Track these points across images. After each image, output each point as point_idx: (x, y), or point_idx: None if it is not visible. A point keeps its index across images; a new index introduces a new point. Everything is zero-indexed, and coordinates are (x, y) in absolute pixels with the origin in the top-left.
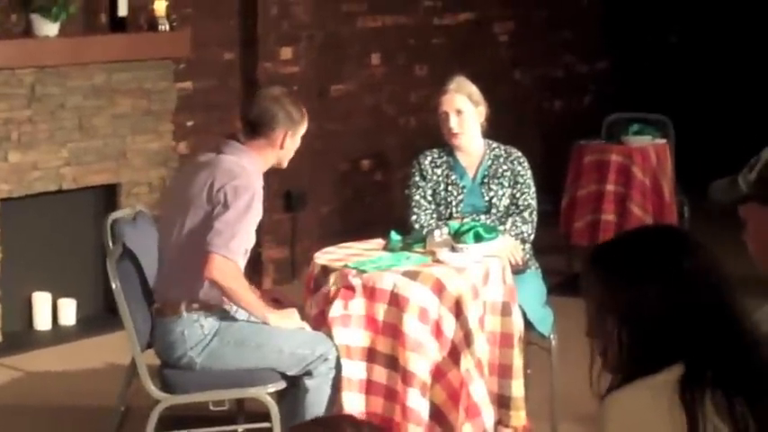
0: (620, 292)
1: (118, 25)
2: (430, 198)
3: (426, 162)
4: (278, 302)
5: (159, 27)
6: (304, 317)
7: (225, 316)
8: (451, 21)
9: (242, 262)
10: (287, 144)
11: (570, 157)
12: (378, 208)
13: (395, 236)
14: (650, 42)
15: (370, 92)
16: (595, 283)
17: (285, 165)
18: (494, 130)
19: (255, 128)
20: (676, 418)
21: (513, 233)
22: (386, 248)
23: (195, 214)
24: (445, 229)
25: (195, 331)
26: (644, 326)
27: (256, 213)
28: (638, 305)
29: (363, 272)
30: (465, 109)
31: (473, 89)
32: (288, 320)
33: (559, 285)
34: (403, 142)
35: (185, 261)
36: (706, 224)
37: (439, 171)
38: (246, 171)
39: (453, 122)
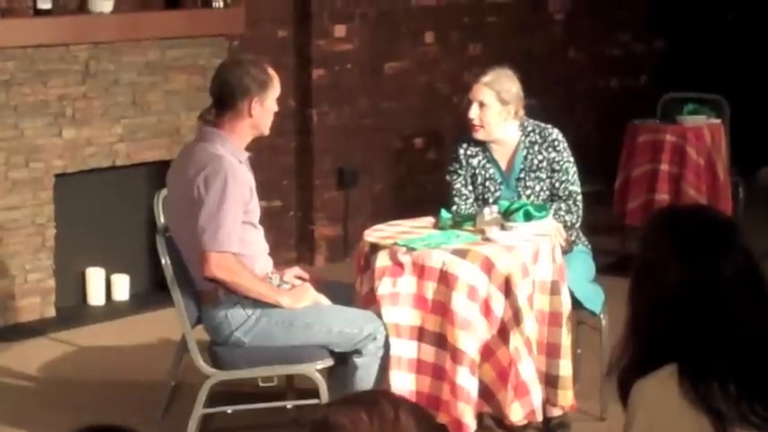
0: (649, 278)
1: (172, 1)
2: (470, 187)
3: (462, 151)
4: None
5: (213, 4)
6: (354, 294)
7: None
8: None
9: (251, 240)
10: (255, 112)
11: (624, 137)
12: (431, 186)
13: (445, 214)
14: (707, 21)
15: (424, 70)
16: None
17: (266, 131)
18: (547, 108)
19: (220, 102)
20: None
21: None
22: (436, 226)
23: (185, 213)
24: (495, 208)
25: (238, 312)
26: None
27: (235, 194)
28: (666, 295)
29: (413, 249)
30: (489, 104)
31: (508, 87)
32: (301, 299)
33: (612, 265)
34: (456, 121)
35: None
36: (760, 205)
37: (475, 162)
38: (215, 156)
39: (473, 113)
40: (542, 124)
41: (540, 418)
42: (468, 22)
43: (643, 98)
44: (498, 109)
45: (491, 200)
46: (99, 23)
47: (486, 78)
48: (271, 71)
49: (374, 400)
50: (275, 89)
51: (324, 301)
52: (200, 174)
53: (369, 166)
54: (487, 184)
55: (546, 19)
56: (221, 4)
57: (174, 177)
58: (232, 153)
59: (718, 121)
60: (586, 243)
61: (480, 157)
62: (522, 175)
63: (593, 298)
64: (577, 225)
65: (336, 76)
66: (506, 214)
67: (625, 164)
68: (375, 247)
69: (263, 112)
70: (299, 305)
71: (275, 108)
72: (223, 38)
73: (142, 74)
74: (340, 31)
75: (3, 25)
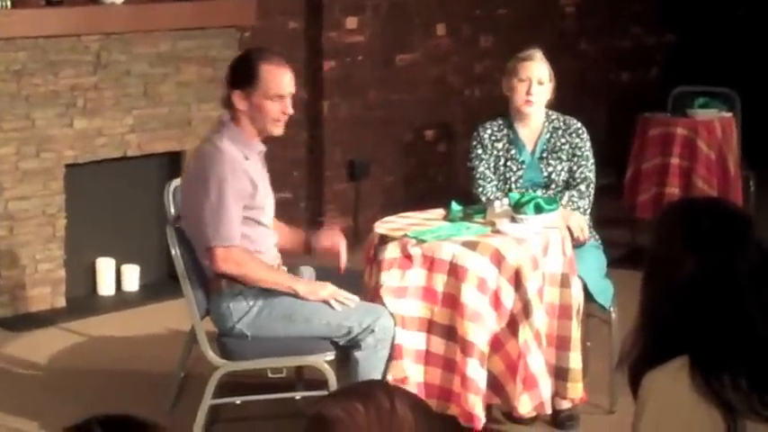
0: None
1: None
2: (493, 169)
3: (486, 135)
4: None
5: None
6: (362, 285)
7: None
8: None
9: (257, 238)
10: (242, 107)
11: (635, 130)
12: (441, 178)
13: (455, 206)
14: (717, 15)
15: (435, 62)
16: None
17: (271, 130)
18: (559, 100)
19: None
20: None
21: (569, 208)
22: (446, 218)
23: (189, 205)
24: (506, 200)
25: (239, 303)
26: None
27: (233, 189)
28: (677, 288)
29: (423, 241)
30: (545, 81)
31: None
32: (317, 290)
33: (622, 258)
34: (467, 113)
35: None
36: None
37: (499, 145)
38: (217, 151)
39: (535, 89)
40: (564, 115)
41: (548, 410)
42: (479, 15)
43: (654, 91)
44: (548, 86)
45: (513, 179)
46: (110, 14)
47: (538, 54)
48: (264, 68)
49: (368, 390)
50: (265, 88)
51: (344, 294)
52: (200, 168)
53: (379, 158)
54: (509, 164)
55: (557, 11)
56: None
57: (187, 168)
58: (239, 147)
59: (730, 114)
60: (597, 238)
61: (505, 141)
62: (544, 156)
63: (605, 292)
64: (588, 212)
65: (347, 68)
66: (517, 206)
67: (635, 157)
68: (384, 239)
69: (252, 108)
70: (314, 296)
71: (277, 107)
72: (234, 29)
73: (153, 65)
74: (351, 22)
75: (14, 15)
